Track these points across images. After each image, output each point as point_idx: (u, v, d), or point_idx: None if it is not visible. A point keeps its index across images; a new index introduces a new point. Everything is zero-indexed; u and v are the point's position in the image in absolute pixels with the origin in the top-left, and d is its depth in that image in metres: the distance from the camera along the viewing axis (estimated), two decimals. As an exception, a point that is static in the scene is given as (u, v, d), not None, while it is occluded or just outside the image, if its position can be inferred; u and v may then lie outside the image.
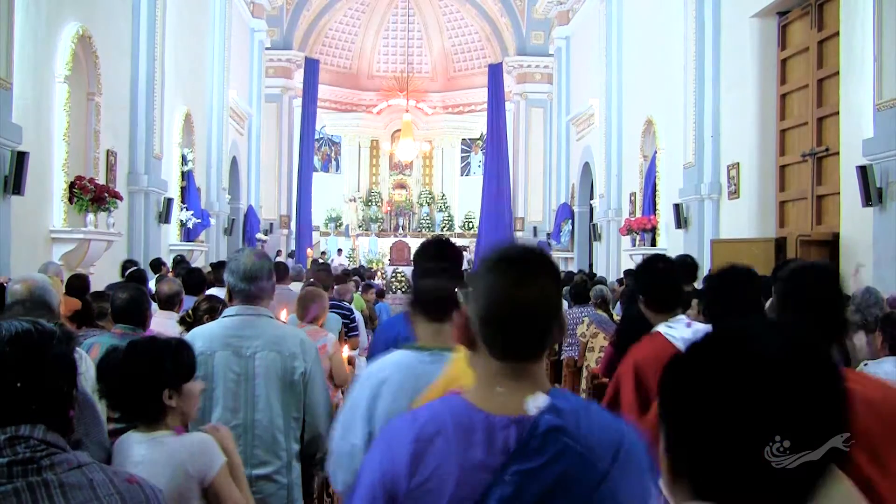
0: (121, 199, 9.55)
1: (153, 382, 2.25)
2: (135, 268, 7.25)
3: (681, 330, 2.91)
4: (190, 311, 4.43)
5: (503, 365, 1.38)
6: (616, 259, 15.82)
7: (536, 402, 1.36)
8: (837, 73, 8.20)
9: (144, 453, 2.21)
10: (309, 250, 21.78)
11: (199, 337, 2.80)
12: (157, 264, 8.90)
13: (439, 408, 1.42)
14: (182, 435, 2.30)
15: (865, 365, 3.73)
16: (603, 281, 9.89)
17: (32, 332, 1.45)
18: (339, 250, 22.63)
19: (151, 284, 7.39)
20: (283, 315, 4.73)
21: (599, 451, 1.33)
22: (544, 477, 1.29)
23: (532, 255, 1.42)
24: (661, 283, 3.08)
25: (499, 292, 1.36)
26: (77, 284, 6.18)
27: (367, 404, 2.07)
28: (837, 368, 1.06)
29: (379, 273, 20.56)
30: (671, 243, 12.59)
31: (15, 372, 1.41)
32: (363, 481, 1.43)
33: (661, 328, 2.98)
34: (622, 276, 11.04)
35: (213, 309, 4.46)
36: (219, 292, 5.45)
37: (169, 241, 12.45)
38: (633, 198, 14.97)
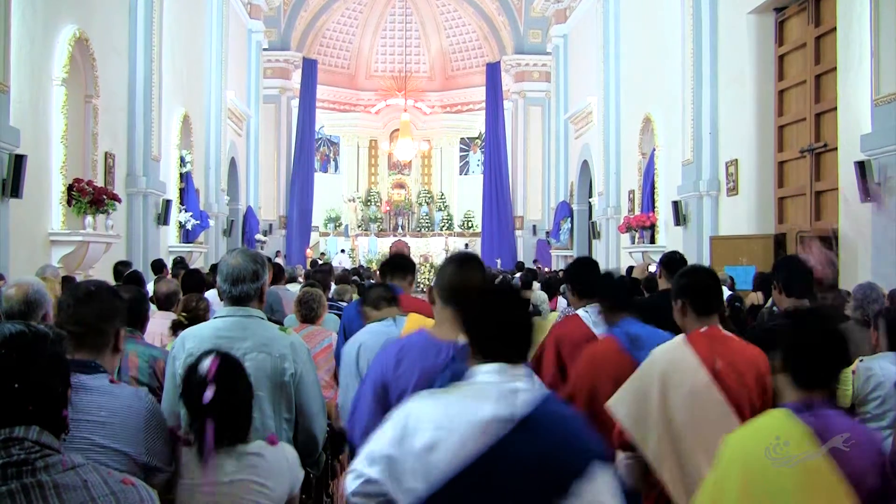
0: (119, 201, 9.55)
1: (251, 397, 2.33)
2: (131, 270, 7.24)
3: (593, 314, 3.63)
4: (184, 314, 4.43)
5: (450, 314, 2.36)
6: (615, 257, 15.83)
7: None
8: (835, 68, 8.20)
9: (236, 465, 2.21)
10: (308, 251, 21.78)
11: (190, 338, 2.80)
12: (157, 266, 8.90)
13: (413, 336, 2.55)
14: (279, 446, 2.35)
15: (861, 361, 3.74)
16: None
17: (26, 334, 1.46)
18: (342, 250, 22.62)
19: (150, 286, 7.39)
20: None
21: None
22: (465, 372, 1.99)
23: (470, 255, 2.66)
24: (582, 277, 3.92)
25: (451, 275, 2.53)
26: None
27: (354, 364, 3.05)
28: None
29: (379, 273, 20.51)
30: (670, 240, 12.59)
31: (9, 374, 1.42)
32: (369, 377, 2.51)
33: (580, 311, 3.77)
34: (623, 273, 11.02)
35: (206, 308, 4.47)
36: (215, 293, 5.45)
37: (168, 243, 12.45)
38: (631, 195, 14.97)
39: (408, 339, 2.53)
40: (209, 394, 2.20)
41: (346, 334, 3.80)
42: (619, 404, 2.78)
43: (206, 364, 2.24)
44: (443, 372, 2.27)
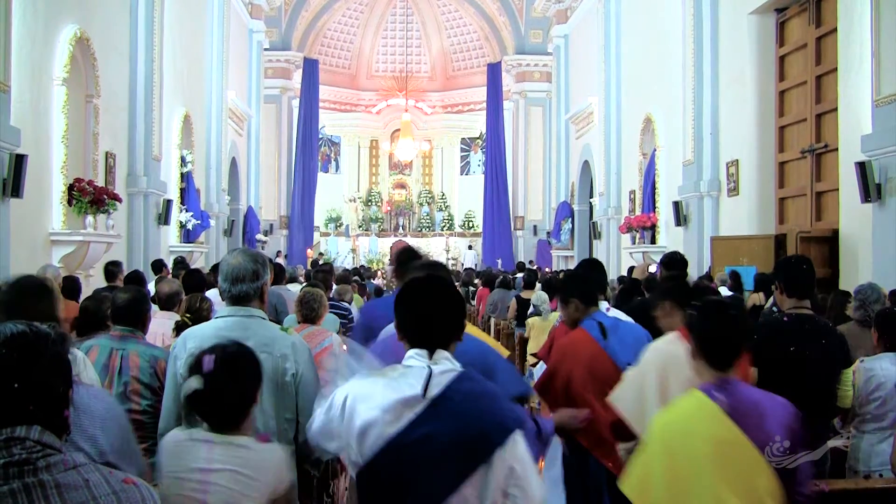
0: (120, 200, 9.55)
1: (254, 388, 2.33)
2: (130, 270, 7.24)
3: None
4: (187, 315, 4.43)
5: None
6: (616, 257, 15.82)
7: None
8: (836, 69, 8.20)
9: (224, 455, 2.22)
10: (308, 251, 21.78)
11: (192, 337, 2.79)
12: (158, 266, 8.90)
13: (391, 337, 2.47)
14: (271, 444, 2.37)
15: (862, 361, 3.74)
16: (603, 279, 9.86)
17: (28, 334, 1.45)
18: (353, 250, 22.60)
19: (151, 286, 7.39)
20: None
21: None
22: None
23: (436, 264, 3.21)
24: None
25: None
26: (69, 287, 6.18)
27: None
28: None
29: (379, 273, 20.56)
30: (671, 241, 12.58)
31: (11, 373, 1.41)
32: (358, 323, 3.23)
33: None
34: (625, 273, 11.04)
35: (209, 308, 4.47)
36: (217, 293, 5.45)
37: (169, 243, 12.45)
38: (632, 196, 14.97)
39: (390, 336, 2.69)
40: (193, 384, 2.23)
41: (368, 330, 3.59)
42: (620, 399, 2.96)
43: (205, 361, 2.26)
44: None
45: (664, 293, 3.44)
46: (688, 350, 2.69)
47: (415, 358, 2.08)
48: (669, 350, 2.94)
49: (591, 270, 4.16)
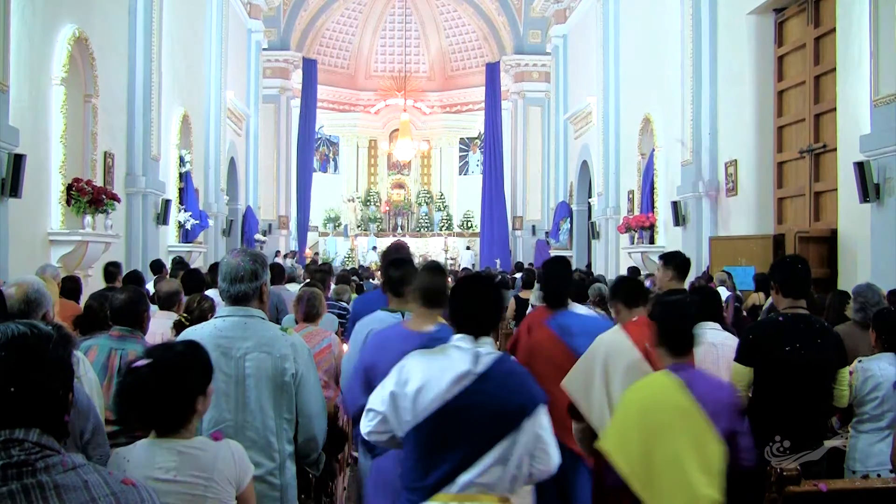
0: (118, 200, 9.55)
1: (192, 391, 2.20)
2: (129, 270, 7.23)
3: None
4: (185, 314, 4.43)
5: (423, 310, 3.12)
6: (615, 257, 15.83)
7: (431, 327, 3.06)
8: (834, 69, 8.21)
9: (177, 460, 2.15)
10: (308, 250, 21.78)
11: (191, 337, 2.79)
12: (157, 266, 8.90)
13: (394, 328, 3.20)
14: (221, 441, 2.29)
15: (860, 361, 3.75)
16: (601, 279, 9.88)
17: (28, 336, 1.44)
18: (374, 248, 22.52)
19: (150, 286, 7.38)
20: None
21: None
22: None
23: (438, 265, 3.37)
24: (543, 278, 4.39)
25: (425, 279, 3.16)
26: (70, 287, 6.18)
27: (362, 344, 3.42)
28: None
29: (378, 273, 20.54)
30: (669, 241, 12.59)
31: (11, 376, 1.40)
32: (360, 361, 3.19)
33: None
34: (624, 273, 11.04)
35: (211, 308, 4.47)
36: (216, 293, 5.45)
37: (167, 243, 12.44)
38: (631, 196, 14.97)
39: (389, 329, 3.22)
40: (125, 389, 2.17)
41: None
42: (570, 382, 3.44)
43: (139, 363, 2.18)
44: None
45: (614, 294, 4.01)
46: (626, 339, 3.38)
47: (462, 341, 2.54)
48: (613, 339, 3.44)
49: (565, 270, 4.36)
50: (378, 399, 2.53)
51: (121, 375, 2.24)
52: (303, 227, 21.78)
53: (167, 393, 2.14)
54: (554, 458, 2.52)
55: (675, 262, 4.67)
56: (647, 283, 8.00)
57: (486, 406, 2.40)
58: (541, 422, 2.47)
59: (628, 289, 3.92)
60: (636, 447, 2.78)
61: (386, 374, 2.62)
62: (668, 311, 2.96)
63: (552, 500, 3.77)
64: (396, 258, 3.90)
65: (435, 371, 2.45)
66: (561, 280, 4.12)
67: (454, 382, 2.42)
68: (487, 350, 2.51)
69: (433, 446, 2.41)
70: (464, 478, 2.38)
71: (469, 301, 2.58)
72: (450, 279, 4.47)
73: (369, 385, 2.85)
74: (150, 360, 2.16)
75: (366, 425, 2.55)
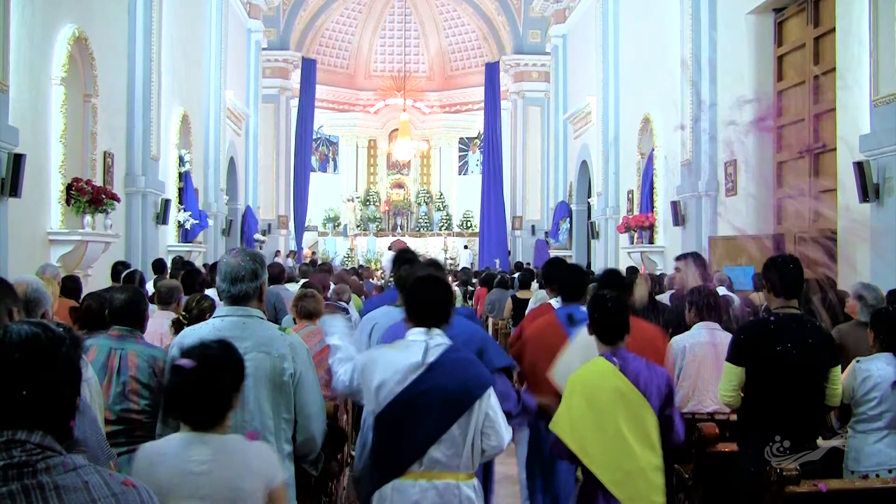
0: (118, 200, 9.54)
1: (230, 388, 2.30)
2: (129, 269, 7.23)
3: (555, 302, 4.57)
4: (183, 313, 4.42)
5: None
6: (614, 257, 15.83)
7: None
8: (834, 69, 8.20)
9: (212, 454, 2.20)
10: (308, 250, 21.77)
11: (189, 337, 2.79)
12: (158, 265, 8.89)
13: (398, 323, 3.29)
14: (255, 441, 2.35)
15: (858, 361, 3.75)
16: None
17: (42, 337, 1.44)
18: (390, 246, 22.44)
19: (150, 286, 7.39)
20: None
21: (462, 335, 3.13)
22: None
23: (435, 261, 3.90)
24: (557, 274, 4.80)
25: (401, 272, 3.59)
26: (70, 286, 6.18)
27: (367, 337, 3.75)
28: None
29: (378, 273, 20.55)
30: (669, 241, 12.60)
31: (23, 378, 1.40)
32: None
33: (552, 301, 4.72)
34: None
35: (210, 308, 4.47)
36: (215, 293, 5.45)
37: (167, 243, 12.44)
38: (630, 195, 14.98)
39: (398, 324, 3.40)
40: (174, 381, 2.26)
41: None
42: (556, 374, 3.75)
43: (184, 361, 2.26)
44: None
45: (600, 288, 4.32)
46: None
47: (416, 334, 2.85)
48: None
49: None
50: (349, 378, 2.94)
51: (171, 370, 2.34)
52: (300, 226, 21.79)
53: (210, 390, 2.24)
54: (504, 435, 2.81)
55: (701, 261, 4.80)
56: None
57: (436, 393, 2.71)
58: (490, 403, 2.78)
59: (608, 283, 4.34)
60: (582, 426, 3.17)
61: None
62: (597, 304, 3.39)
63: (537, 479, 4.12)
64: (405, 256, 4.17)
65: (391, 365, 2.77)
66: (579, 276, 4.45)
67: (406, 374, 2.74)
68: (437, 342, 2.82)
69: (394, 431, 2.75)
70: (427, 456, 2.71)
71: (421, 299, 2.91)
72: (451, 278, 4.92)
73: None
74: (194, 360, 2.25)
75: (339, 382, 3.00)
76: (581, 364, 3.51)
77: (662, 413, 3.23)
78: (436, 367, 2.74)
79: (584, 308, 4.23)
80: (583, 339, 3.68)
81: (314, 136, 23.35)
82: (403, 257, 4.20)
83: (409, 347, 2.80)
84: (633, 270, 10.93)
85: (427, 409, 2.70)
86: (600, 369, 3.25)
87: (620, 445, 3.10)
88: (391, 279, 5.54)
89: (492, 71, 22.74)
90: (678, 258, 5.01)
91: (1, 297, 2.35)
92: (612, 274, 4.83)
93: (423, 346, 2.77)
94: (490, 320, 10.09)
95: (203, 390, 2.23)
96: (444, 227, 25.16)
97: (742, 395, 3.52)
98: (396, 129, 24.42)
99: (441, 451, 2.71)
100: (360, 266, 19.17)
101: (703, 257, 5.07)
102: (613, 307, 3.34)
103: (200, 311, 4.44)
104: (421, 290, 2.93)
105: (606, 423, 3.13)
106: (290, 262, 18.81)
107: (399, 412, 2.72)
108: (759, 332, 3.46)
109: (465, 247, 23.95)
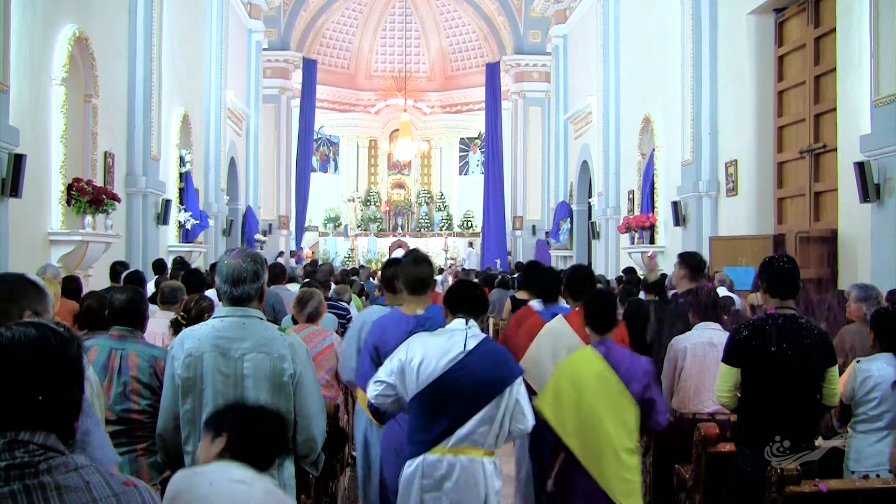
0: (119, 200, 9.54)
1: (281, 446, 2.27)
2: (131, 270, 7.23)
3: (536, 304, 4.85)
4: (182, 313, 4.43)
5: (411, 297, 3.77)
6: (615, 257, 15.83)
7: (421, 311, 3.72)
8: (834, 69, 8.20)
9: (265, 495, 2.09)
10: (308, 250, 21.76)
11: (189, 338, 2.79)
12: (159, 265, 8.89)
13: (393, 314, 3.83)
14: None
15: (858, 361, 3.75)
16: (602, 279, 9.89)
17: (50, 339, 1.45)
18: (400, 247, 22.44)
19: (150, 286, 7.39)
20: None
21: (438, 321, 3.46)
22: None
23: (422, 254, 3.93)
24: (536, 277, 5.20)
25: (411, 268, 3.78)
26: (71, 287, 6.19)
27: (358, 335, 4.00)
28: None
29: (378, 273, 20.54)
30: (669, 241, 12.60)
31: (34, 382, 1.41)
32: (366, 344, 3.78)
33: (533, 303, 4.87)
34: (622, 273, 11.04)
35: (209, 308, 4.47)
36: (214, 293, 5.45)
37: (167, 243, 12.44)
38: (631, 196, 14.97)
39: (388, 315, 3.84)
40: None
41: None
42: (524, 366, 3.88)
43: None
44: (413, 331, 3.48)
45: (566, 286, 4.73)
46: (567, 327, 4.15)
47: (456, 323, 3.26)
48: (556, 327, 4.23)
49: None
50: (386, 371, 3.19)
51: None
52: (300, 226, 21.79)
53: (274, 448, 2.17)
54: (529, 419, 3.18)
55: (691, 262, 4.75)
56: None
57: (471, 377, 3.07)
58: (519, 390, 3.17)
59: (574, 282, 4.65)
60: (564, 407, 3.50)
61: (389, 351, 3.30)
62: (591, 298, 3.79)
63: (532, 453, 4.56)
64: (389, 259, 4.56)
65: (432, 350, 3.13)
66: (557, 279, 4.92)
67: (447, 359, 3.09)
68: (474, 333, 3.21)
69: (432, 409, 3.09)
70: (457, 433, 3.05)
71: (461, 295, 3.37)
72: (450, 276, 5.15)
73: (377, 360, 3.55)
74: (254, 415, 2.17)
75: (373, 390, 3.20)
76: (549, 355, 3.93)
77: (643, 397, 3.51)
78: (474, 353, 3.11)
79: (564, 305, 4.76)
80: (547, 336, 4.14)
81: (315, 137, 23.36)
82: (388, 259, 4.49)
83: (451, 335, 3.18)
84: (630, 271, 10.97)
85: (463, 391, 3.05)
86: (585, 356, 3.61)
87: (595, 425, 3.43)
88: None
89: (492, 71, 22.74)
90: (678, 256, 5.02)
91: (19, 297, 2.34)
92: (578, 269, 5.05)
93: (463, 334, 3.17)
94: (490, 320, 10.09)
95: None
96: (444, 228, 25.16)
97: (739, 395, 3.53)
98: (397, 130, 24.43)
99: (470, 429, 3.05)
100: (361, 266, 19.16)
101: (697, 257, 5.01)
102: (601, 301, 3.77)
103: (199, 312, 4.45)
104: (461, 288, 3.47)
105: (585, 403, 3.46)
106: (293, 261, 18.84)
107: (439, 392, 3.06)
108: (754, 333, 3.46)
109: (470, 244, 23.96)
